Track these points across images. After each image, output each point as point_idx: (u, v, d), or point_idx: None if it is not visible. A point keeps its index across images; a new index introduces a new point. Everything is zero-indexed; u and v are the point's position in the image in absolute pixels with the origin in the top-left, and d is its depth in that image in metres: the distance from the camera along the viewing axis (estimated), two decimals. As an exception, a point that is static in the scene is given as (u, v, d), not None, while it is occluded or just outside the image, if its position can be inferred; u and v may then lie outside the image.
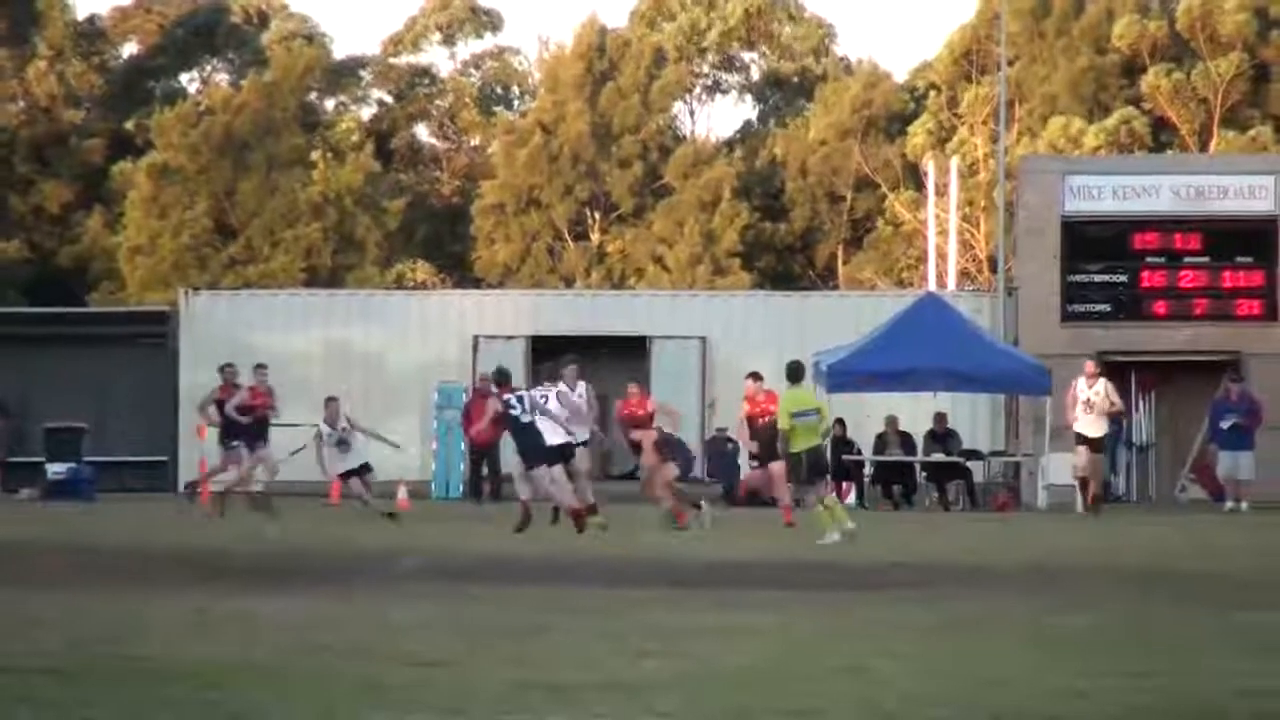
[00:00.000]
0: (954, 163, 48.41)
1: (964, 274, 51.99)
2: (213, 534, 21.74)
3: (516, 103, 67.10)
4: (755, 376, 25.90)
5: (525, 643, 10.87)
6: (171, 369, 36.50)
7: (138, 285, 55.22)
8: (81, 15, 63.15)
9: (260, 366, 28.81)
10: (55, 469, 33.93)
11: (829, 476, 21.07)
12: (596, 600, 13.63)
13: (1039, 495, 32.62)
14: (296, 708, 8.30)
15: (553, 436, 22.99)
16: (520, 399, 23.05)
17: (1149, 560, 18.52)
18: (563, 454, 22.81)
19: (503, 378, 24.59)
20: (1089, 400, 29.34)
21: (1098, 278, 35.24)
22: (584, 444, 24.10)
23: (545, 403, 23.30)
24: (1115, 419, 30.86)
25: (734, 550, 19.42)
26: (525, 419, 22.87)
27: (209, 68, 66.10)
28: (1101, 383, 29.44)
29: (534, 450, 22.80)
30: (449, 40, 66.33)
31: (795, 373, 21.10)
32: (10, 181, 58.23)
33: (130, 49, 65.33)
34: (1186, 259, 35.16)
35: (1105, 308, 35.21)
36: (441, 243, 62.63)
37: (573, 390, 24.13)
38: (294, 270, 54.83)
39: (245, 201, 56.70)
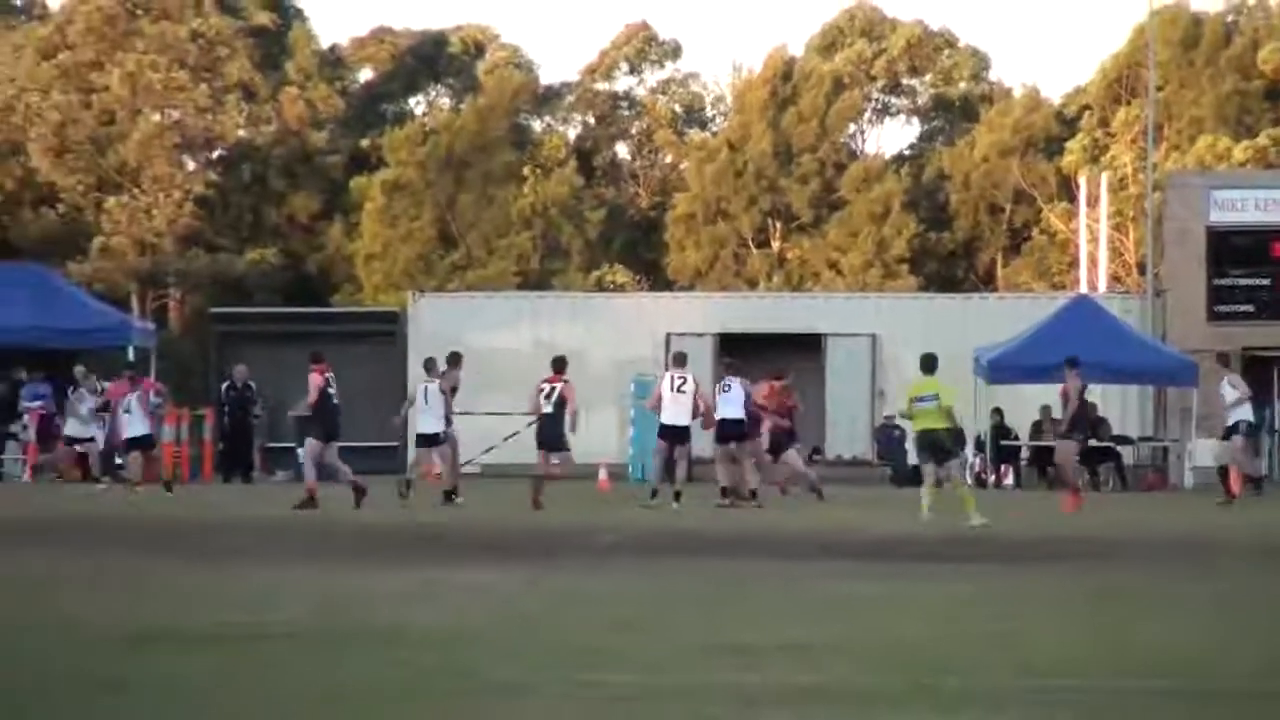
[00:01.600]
0: (1104, 177, 47.73)
1: (1114, 278, 51.18)
2: (432, 513, 21.98)
3: (708, 123, 67.07)
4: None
5: (713, 609, 10.91)
6: (401, 363, 36.93)
7: (373, 288, 55.99)
8: (325, 44, 64.19)
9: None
10: (303, 453, 34.40)
11: (958, 461, 20.68)
12: (776, 572, 13.63)
13: (1185, 476, 32.18)
14: (508, 666, 8.40)
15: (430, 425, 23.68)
16: (333, 380, 22.92)
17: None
18: (331, 434, 22.73)
19: (680, 360, 24.95)
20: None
21: (1242, 281, 35.02)
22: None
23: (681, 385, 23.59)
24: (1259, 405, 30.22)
25: (900, 526, 19.31)
26: (336, 400, 22.83)
27: (433, 92, 66.85)
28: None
29: (328, 428, 22.64)
30: (635, 70, 66.51)
31: (925, 364, 21.08)
32: (266, 195, 59.30)
33: (366, 74, 66.24)
34: (1325, 266, 34.79)
35: (1249, 308, 35.02)
36: (637, 249, 62.82)
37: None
38: (508, 275, 55.25)
39: (465, 213, 57.27)
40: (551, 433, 23.18)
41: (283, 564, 14.01)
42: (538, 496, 22.30)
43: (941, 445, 20.50)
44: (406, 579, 12.66)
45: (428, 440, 24.03)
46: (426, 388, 24.09)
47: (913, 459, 33.84)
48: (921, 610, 10.94)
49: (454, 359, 25.22)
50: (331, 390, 22.88)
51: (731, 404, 24.53)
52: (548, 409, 23.16)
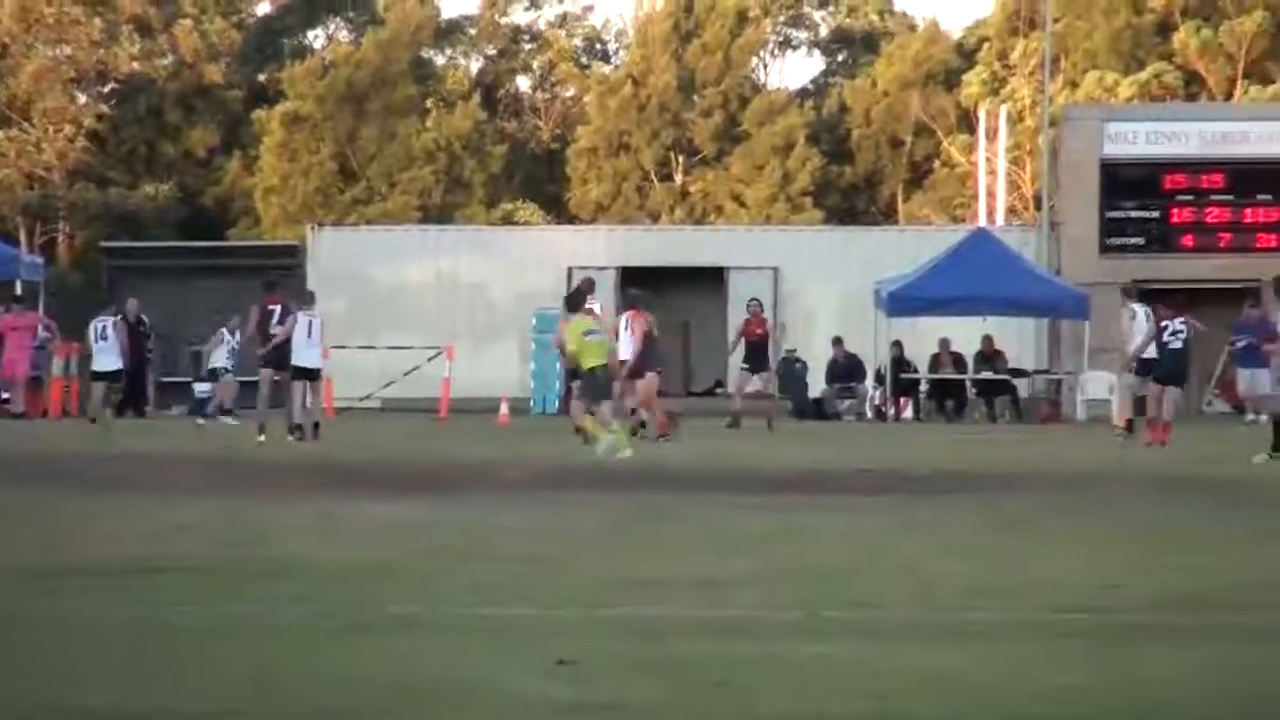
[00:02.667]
0: (1003, 110, 47.94)
1: (1011, 211, 51.45)
2: (339, 446, 21.78)
3: (610, 56, 66.74)
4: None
5: (620, 543, 10.85)
6: (301, 297, 36.53)
7: (271, 222, 55.46)
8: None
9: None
10: (201, 388, 34.09)
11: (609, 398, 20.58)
12: (682, 505, 13.59)
13: (1078, 409, 32.46)
14: (410, 600, 8.31)
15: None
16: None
17: (1180, 467, 18.33)
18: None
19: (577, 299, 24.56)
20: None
21: (1133, 214, 35.24)
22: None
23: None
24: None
25: (806, 459, 19.34)
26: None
27: (332, 26, 66.09)
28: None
29: None
30: (535, 4, 66.04)
31: (573, 303, 20.99)
32: (162, 129, 58.52)
33: (263, 8, 65.44)
34: (1212, 197, 35.07)
35: (1140, 241, 35.24)
36: (539, 183, 62.54)
37: None
38: (409, 209, 54.87)
39: (366, 147, 56.78)
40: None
41: (179, 498, 13.83)
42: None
43: (608, 381, 20.45)
44: (306, 513, 12.53)
45: (308, 374, 23.38)
46: (311, 321, 23.60)
47: (813, 390, 34.10)
48: (826, 543, 10.93)
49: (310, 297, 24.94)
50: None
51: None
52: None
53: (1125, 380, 24.70)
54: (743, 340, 27.76)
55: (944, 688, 6.40)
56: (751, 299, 29.50)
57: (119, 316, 27.08)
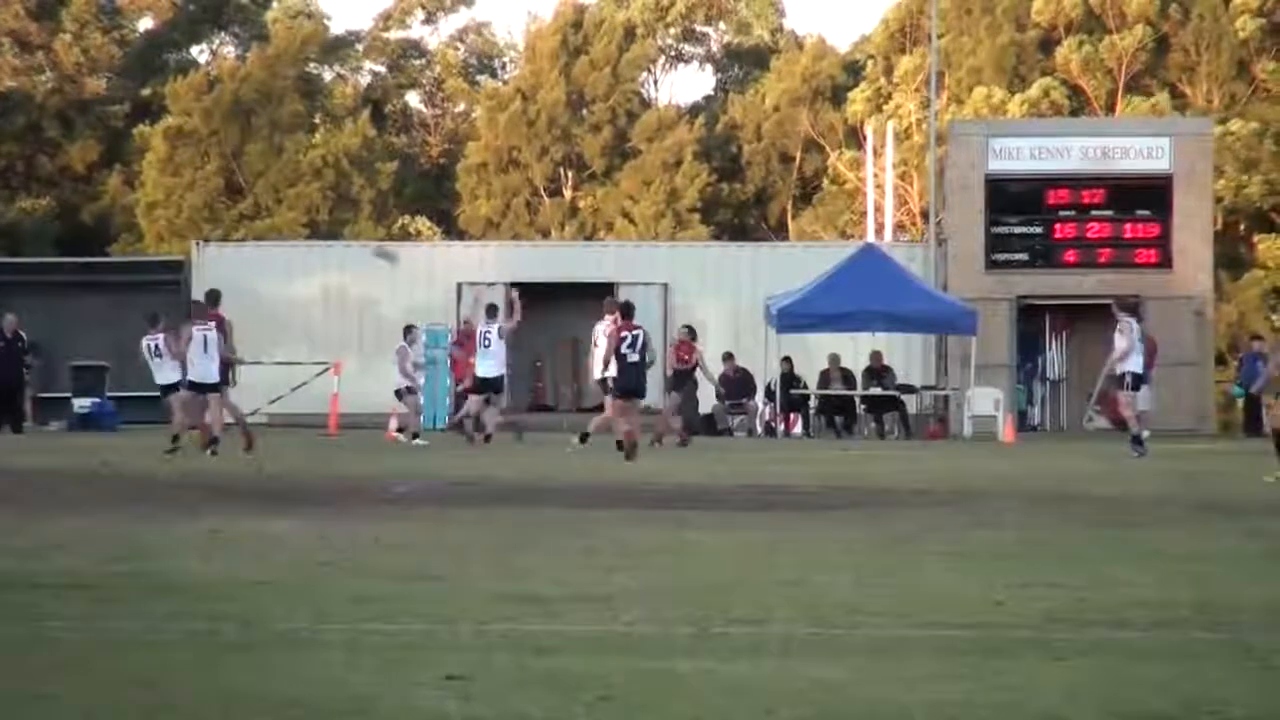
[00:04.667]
0: (890, 127, 48.35)
1: (899, 227, 51.89)
2: (220, 462, 21.62)
3: (498, 72, 66.77)
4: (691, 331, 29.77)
5: (505, 559, 10.86)
6: (185, 313, 36.21)
7: (154, 238, 54.90)
8: (103, -8, 62.61)
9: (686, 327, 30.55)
10: (81, 403, 33.77)
11: None
12: (570, 520, 13.61)
13: (965, 425, 32.74)
14: (297, 616, 8.28)
15: None
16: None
17: (1062, 484, 18.55)
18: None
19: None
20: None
21: (1017, 230, 35.59)
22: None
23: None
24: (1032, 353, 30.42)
25: (695, 475, 19.41)
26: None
27: (217, 41, 65.62)
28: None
29: None
30: (431, 19, 66.03)
31: None
32: (41, 144, 57.82)
33: (146, 23, 64.84)
34: (1093, 213, 35.55)
35: (1023, 256, 35.59)
36: (429, 199, 62.38)
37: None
38: (296, 225, 54.51)
39: (252, 162, 56.36)
40: (637, 381, 22.98)
41: (60, 514, 13.68)
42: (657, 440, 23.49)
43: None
44: (191, 529, 12.43)
45: (212, 389, 23.29)
46: (206, 336, 23.42)
47: (703, 406, 34.20)
48: (714, 558, 11.00)
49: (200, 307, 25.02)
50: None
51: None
52: (634, 357, 22.67)
53: (1123, 395, 24.20)
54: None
55: (830, 702, 6.47)
56: (683, 325, 30.69)
57: (166, 332, 27.03)
